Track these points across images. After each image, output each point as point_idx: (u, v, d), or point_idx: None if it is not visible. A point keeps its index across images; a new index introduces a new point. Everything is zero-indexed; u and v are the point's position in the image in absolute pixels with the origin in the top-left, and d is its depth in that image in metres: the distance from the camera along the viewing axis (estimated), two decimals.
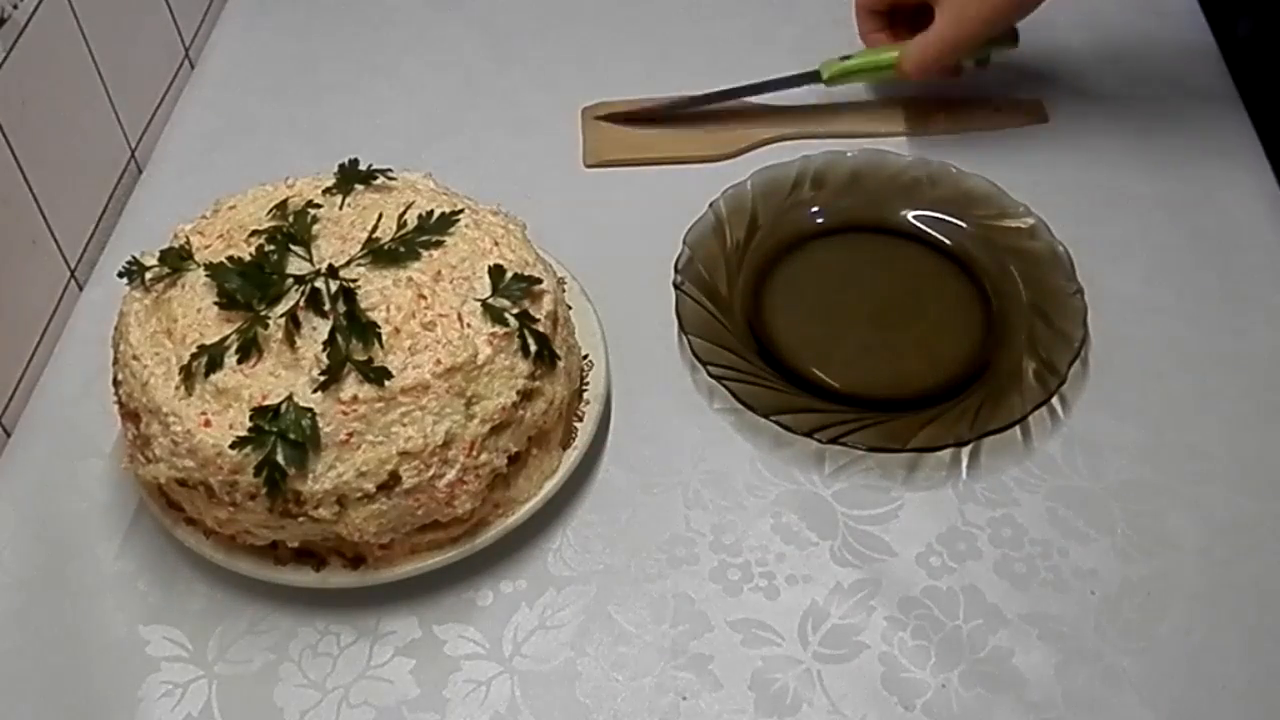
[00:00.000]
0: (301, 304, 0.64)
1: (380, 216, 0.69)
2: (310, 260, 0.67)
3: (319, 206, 0.70)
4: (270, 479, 0.60)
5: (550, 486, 0.68)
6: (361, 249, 0.67)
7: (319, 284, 0.65)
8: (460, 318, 0.64)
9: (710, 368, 0.74)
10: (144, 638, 0.67)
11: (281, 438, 0.60)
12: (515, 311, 0.65)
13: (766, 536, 0.69)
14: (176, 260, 0.67)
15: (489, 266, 0.67)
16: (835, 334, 0.78)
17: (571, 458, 0.69)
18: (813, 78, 0.89)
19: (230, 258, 0.66)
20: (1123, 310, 0.78)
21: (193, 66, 1.01)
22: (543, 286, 0.68)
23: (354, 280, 0.65)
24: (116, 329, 0.68)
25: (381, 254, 0.66)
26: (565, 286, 0.75)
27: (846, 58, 0.89)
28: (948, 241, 0.82)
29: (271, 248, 0.67)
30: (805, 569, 0.68)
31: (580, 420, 0.71)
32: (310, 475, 0.61)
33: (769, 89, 0.90)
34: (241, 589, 0.68)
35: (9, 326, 0.77)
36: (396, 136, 0.93)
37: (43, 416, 0.77)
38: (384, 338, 0.63)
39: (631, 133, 0.92)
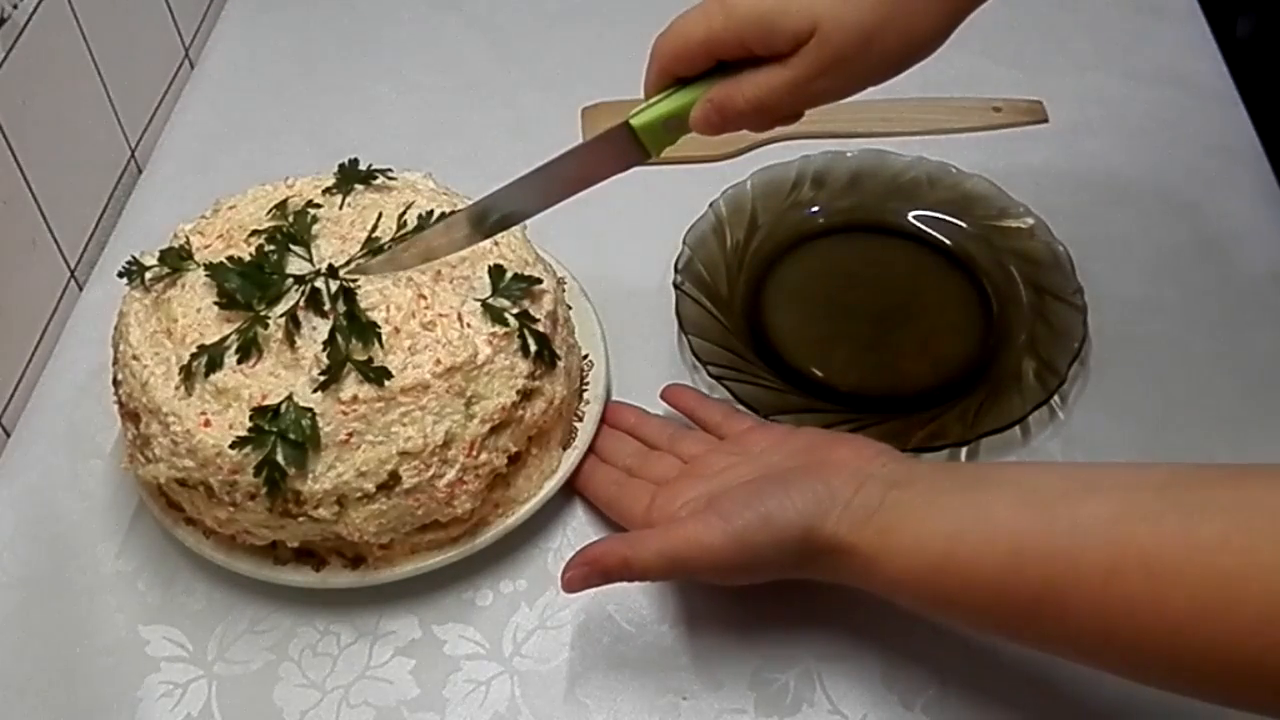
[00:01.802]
0: (301, 304, 0.64)
1: (380, 216, 0.69)
2: (310, 260, 0.67)
3: (319, 206, 0.70)
4: (270, 479, 0.60)
5: (550, 486, 0.68)
6: (361, 249, 0.67)
7: (319, 284, 0.65)
8: (460, 317, 0.64)
9: (710, 368, 0.74)
10: (144, 638, 0.67)
11: (281, 438, 0.60)
12: (515, 311, 0.65)
13: None
14: (176, 260, 0.67)
15: (489, 266, 0.67)
16: (835, 334, 0.79)
17: (571, 458, 0.69)
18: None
19: (230, 258, 0.66)
20: (1123, 310, 0.78)
21: (193, 66, 1.01)
22: (542, 286, 0.68)
23: (354, 280, 0.65)
24: (116, 329, 0.68)
25: (381, 254, 0.66)
26: (565, 286, 0.75)
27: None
28: (948, 241, 0.82)
29: (271, 248, 0.67)
30: None
31: (580, 420, 0.71)
32: (310, 475, 0.61)
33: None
34: (241, 589, 0.68)
35: (9, 326, 0.77)
36: (396, 136, 0.93)
37: (43, 416, 0.77)
38: (384, 337, 0.63)
39: None
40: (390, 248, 0.67)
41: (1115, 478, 0.53)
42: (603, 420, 0.71)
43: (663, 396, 0.73)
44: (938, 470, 0.60)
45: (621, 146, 0.62)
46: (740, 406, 0.72)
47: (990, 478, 0.57)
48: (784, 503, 0.58)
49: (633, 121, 0.61)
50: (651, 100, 0.62)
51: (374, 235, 0.68)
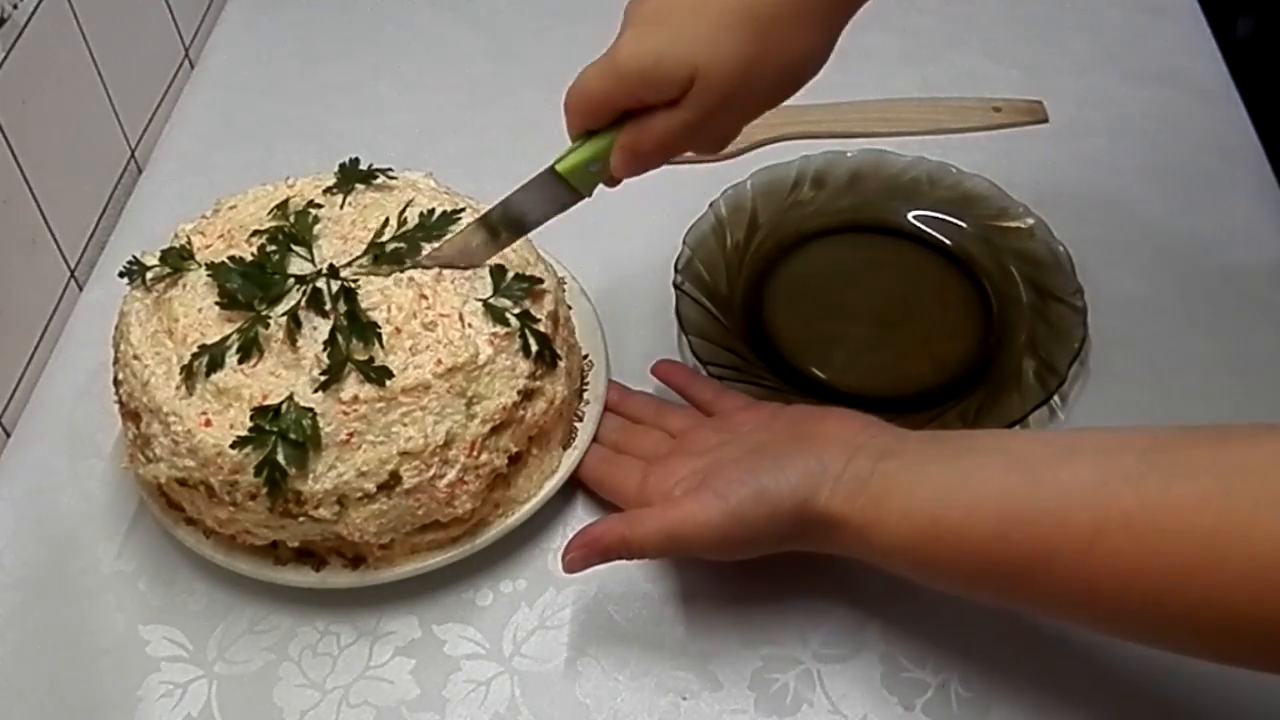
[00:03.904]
0: (302, 304, 0.64)
1: (385, 221, 0.69)
2: (311, 260, 0.67)
3: (320, 206, 0.70)
4: (271, 479, 0.60)
5: (550, 486, 0.68)
6: (363, 252, 0.67)
7: (320, 284, 0.65)
8: (461, 317, 0.64)
9: (710, 368, 0.74)
10: (144, 638, 0.67)
11: (282, 438, 0.60)
12: (516, 311, 0.65)
13: None
14: (177, 260, 0.67)
15: (490, 266, 0.67)
16: (835, 334, 0.79)
17: (572, 458, 0.69)
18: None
19: (231, 257, 0.66)
20: (1123, 310, 0.78)
21: (193, 66, 1.01)
22: (544, 286, 0.68)
23: (355, 280, 0.65)
24: (117, 329, 0.68)
25: (384, 256, 0.66)
26: (565, 286, 0.75)
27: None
28: (948, 241, 0.82)
29: (273, 248, 0.67)
30: (807, 567, 0.67)
31: (580, 420, 0.71)
32: (311, 475, 0.61)
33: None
34: (241, 589, 0.68)
35: (9, 326, 0.77)
36: (397, 136, 0.93)
37: (43, 416, 0.77)
38: (385, 337, 0.63)
39: None
40: (394, 250, 0.67)
41: (1098, 442, 0.55)
42: (602, 419, 0.71)
43: (654, 372, 0.74)
44: (926, 440, 0.61)
45: (552, 190, 0.65)
46: None
47: (977, 446, 0.59)
48: (778, 477, 0.59)
49: (558, 167, 0.65)
50: (574, 146, 0.65)
51: (376, 240, 0.67)
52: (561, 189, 0.65)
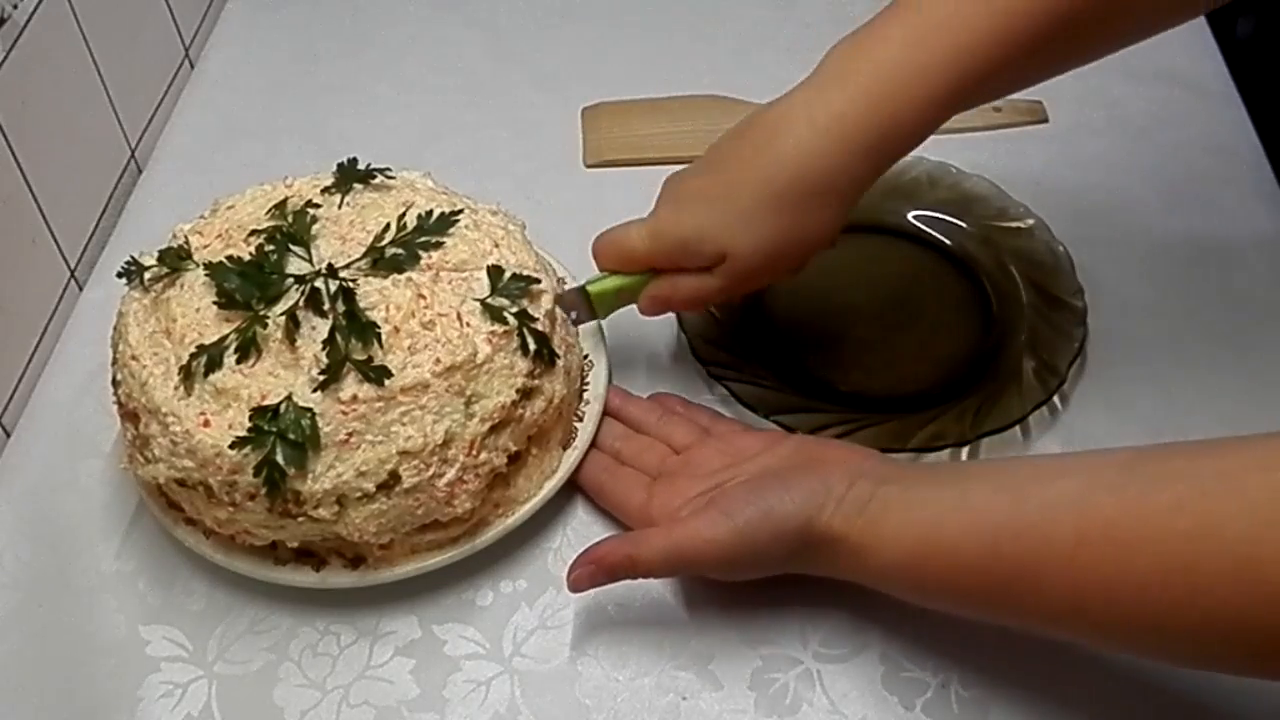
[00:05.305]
0: (301, 303, 0.64)
1: (386, 226, 0.68)
2: (309, 260, 0.67)
3: (318, 206, 0.70)
4: (270, 479, 0.60)
5: (550, 486, 0.68)
6: (362, 255, 0.67)
7: (318, 283, 0.65)
8: (459, 317, 0.64)
9: (710, 368, 0.74)
10: (144, 638, 0.67)
11: (281, 438, 0.60)
12: (514, 310, 0.65)
13: None
14: (175, 260, 0.67)
15: (487, 266, 0.67)
16: (835, 334, 0.78)
17: (571, 457, 0.69)
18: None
19: (230, 257, 0.66)
20: (1123, 310, 0.78)
21: (193, 66, 1.01)
22: (541, 286, 0.68)
23: (353, 280, 0.65)
24: (115, 329, 0.68)
25: (383, 262, 0.66)
26: (565, 286, 0.75)
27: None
28: (948, 241, 0.82)
29: (271, 247, 0.67)
30: None
31: (580, 420, 0.71)
32: (310, 475, 0.61)
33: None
34: (241, 589, 0.68)
35: (9, 326, 0.77)
36: (396, 136, 0.93)
37: (43, 416, 0.77)
38: (383, 337, 0.63)
39: (631, 133, 0.92)
40: (393, 255, 0.67)
41: (1082, 461, 0.57)
42: (603, 424, 0.71)
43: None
44: (922, 468, 0.64)
45: (576, 304, 0.72)
46: (740, 406, 0.72)
47: (970, 471, 0.63)
48: (783, 498, 0.61)
49: (590, 288, 0.72)
50: (603, 275, 0.72)
51: (375, 244, 0.67)
52: (582, 304, 0.72)
